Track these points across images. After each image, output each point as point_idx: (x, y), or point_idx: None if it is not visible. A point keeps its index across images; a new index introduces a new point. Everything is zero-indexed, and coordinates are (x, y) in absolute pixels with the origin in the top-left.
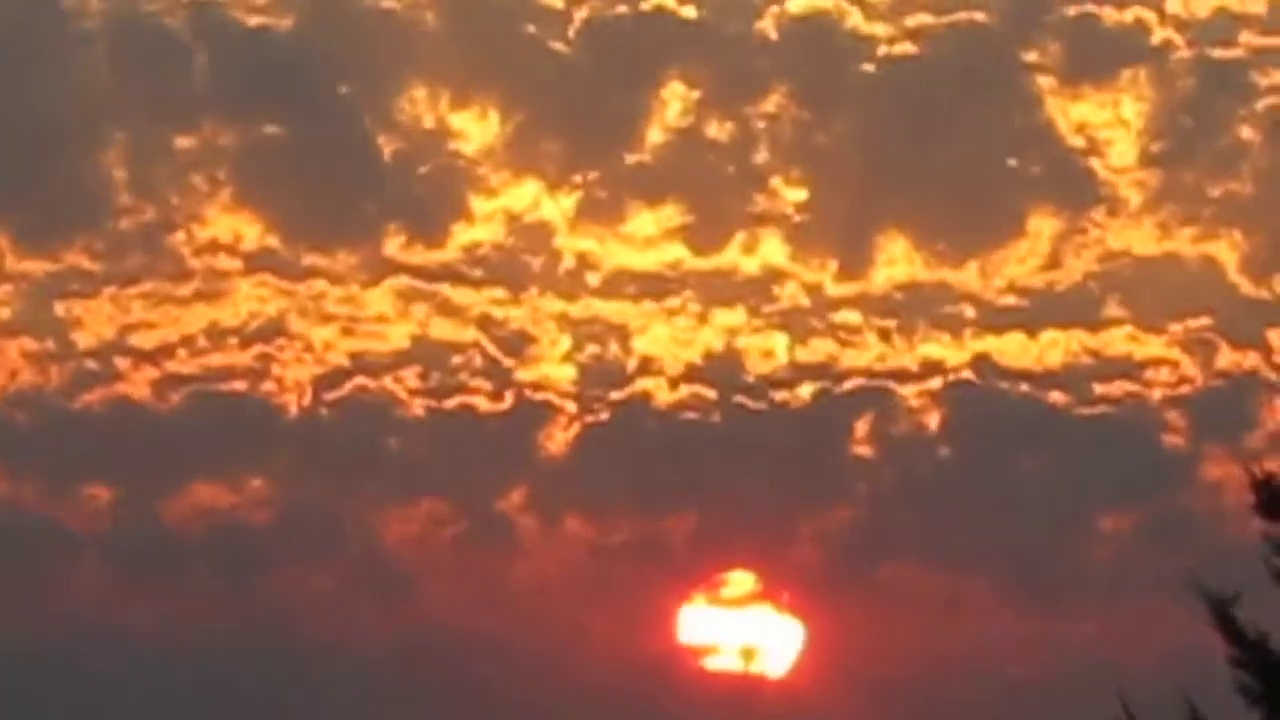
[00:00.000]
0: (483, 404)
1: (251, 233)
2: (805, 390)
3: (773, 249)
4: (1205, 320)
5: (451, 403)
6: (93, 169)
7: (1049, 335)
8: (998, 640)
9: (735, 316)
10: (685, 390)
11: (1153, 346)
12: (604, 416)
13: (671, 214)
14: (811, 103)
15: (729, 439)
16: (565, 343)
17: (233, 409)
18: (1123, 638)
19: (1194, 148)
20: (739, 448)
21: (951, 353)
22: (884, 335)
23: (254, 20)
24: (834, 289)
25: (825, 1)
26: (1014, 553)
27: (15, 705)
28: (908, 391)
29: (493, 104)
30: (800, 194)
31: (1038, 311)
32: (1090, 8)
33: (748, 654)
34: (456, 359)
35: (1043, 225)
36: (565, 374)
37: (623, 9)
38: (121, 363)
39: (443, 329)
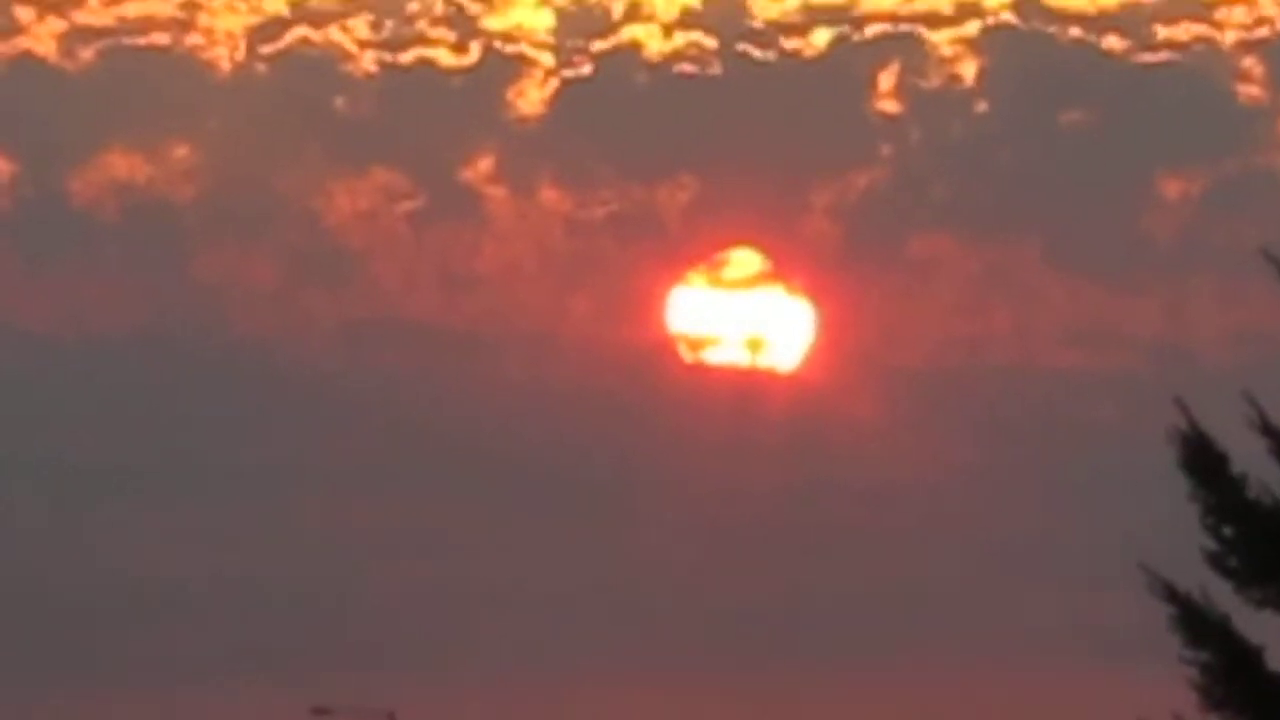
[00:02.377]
0: (444, 57)
1: None
2: (820, 37)
3: None
4: None
5: (408, 56)
6: None
7: None
8: (1041, 324)
9: None
10: (680, 38)
11: None
12: (585, 70)
13: None
14: None
15: (731, 94)
16: None
17: (153, 66)
18: (1186, 319)
19: None
20: (743, 104)
21: None
22: None
23: None
24: None
25: None
26: (1062, 222)
27: None
28: (940, 37)
29: None
30: None
31: None
32: None
33: (753, 344)
34: (414, 4)
35: None
36: (541, 21)
37: None
38: (23, 13)
39: None
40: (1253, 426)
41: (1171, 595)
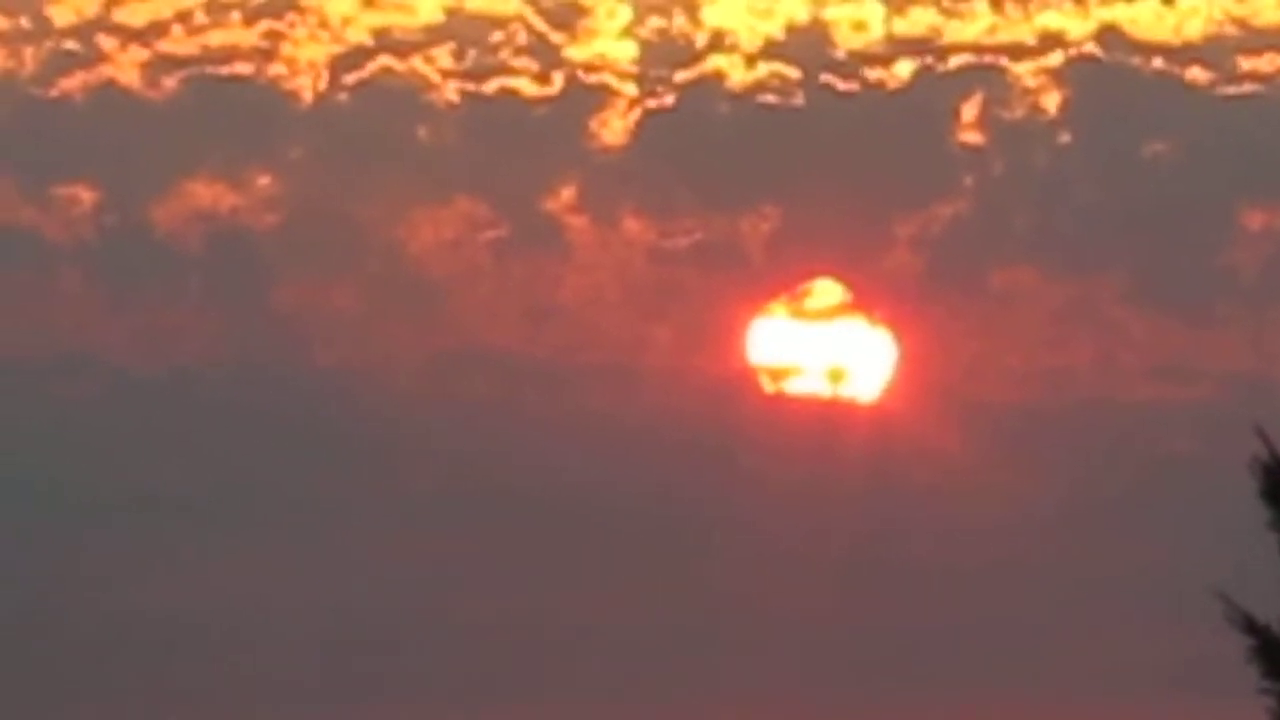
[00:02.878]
0: (527, 87)
1: None
2: (904, 68)
3: None
4: None
5: (491, 86)
6: None
7: (1189, 1)
8: (1124, 357)
9: None
10: (763, 68)
11: None
12: (668, 100)
13: None
14: None
15: (814, 125)
16: (624, 14)
17: (235, 95)
18: (1271, 352)
19: None
20: (825, 135)
21: (1074, 22)
22: (996, 3)
23: None
24: None
25: None
26: (1145, 255)
27: None
28: (1023, 69)
29: None
30: None
31: None
32: None
33: (835, 375)
34: (497, 34)
35: None
36: (624, 51)
37: None
38: (106, 42)
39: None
40: None
41: (1250, 626)
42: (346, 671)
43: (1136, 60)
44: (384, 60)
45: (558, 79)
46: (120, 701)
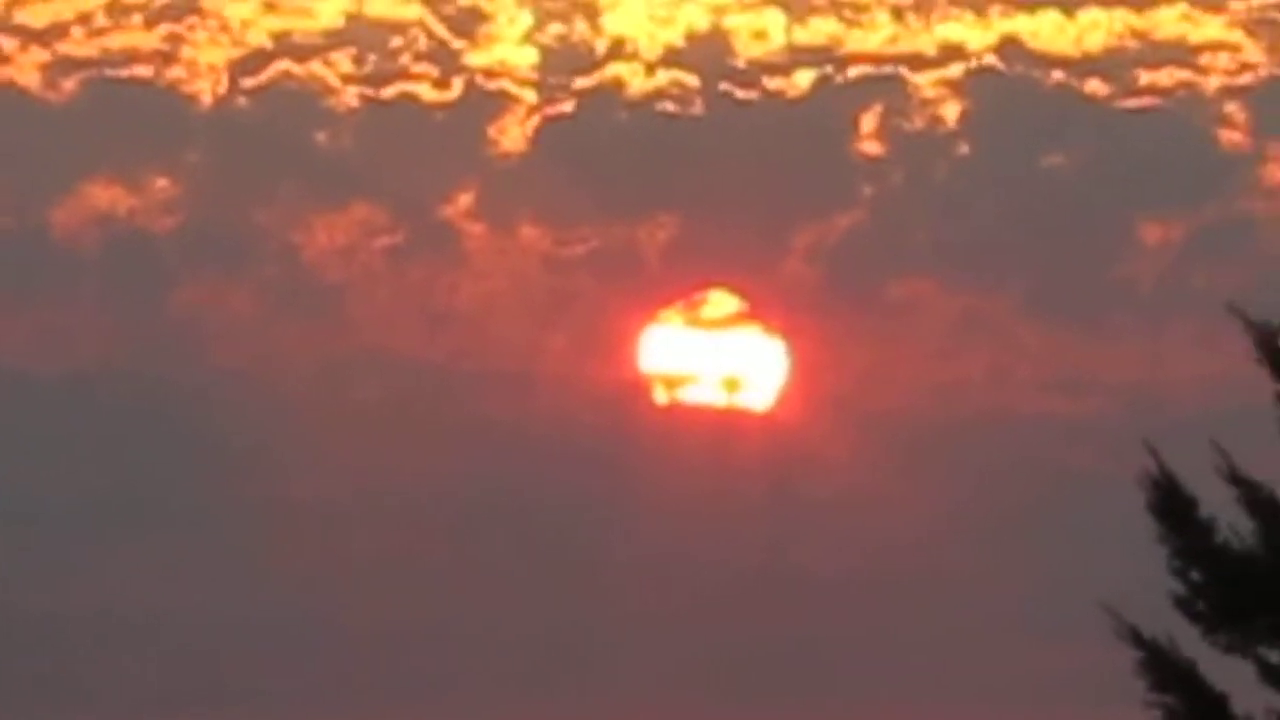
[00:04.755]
0: (426, 92)
1: None
2: (803, 77)
3: None
4: None
5: (390, 91)
6: None
7: (1089, 14)
8: (1019, 369)
9: None
10: (662, 76)
11: (1210, 28)
12: (567, 108)
13: None
14: None
15: (713, 134)
16: (525, 20)
17: (135, 98)
18: (1162, 366)
19: None
20: (724, 144)
21: (975, 34)
22: (896, 14)
23: None
24: None
25: None
26: (1042, 267)
27: None
28: (923, 79)
29: None
30: None
31: None
32: None
33: (729, 384)
34: (397, 39)
35: None
36: (524, 57)
37: None
38: (6, 43)
39: (381, 4)
40: (1221, 475)
41: (1138, 640)
42: (232, 677)
43: (1036, 72)
44: (283, 65)
45: (457, 84)
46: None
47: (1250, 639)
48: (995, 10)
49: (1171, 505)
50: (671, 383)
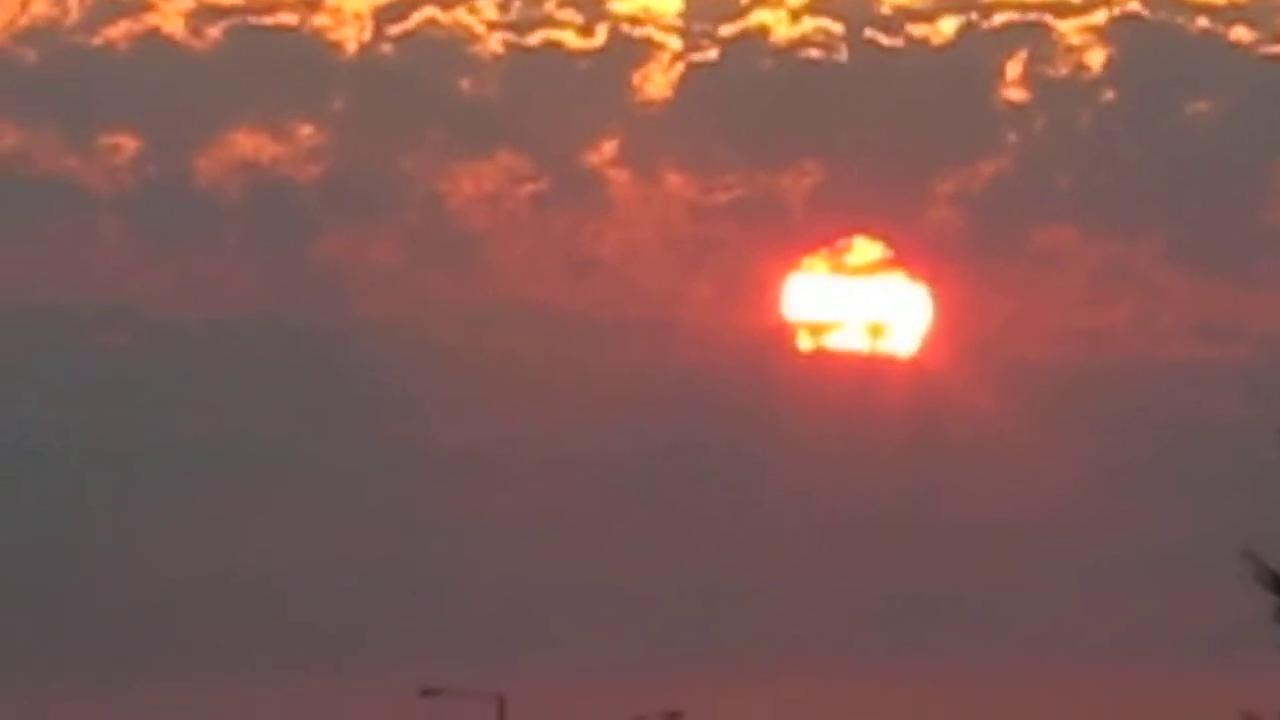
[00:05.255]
0: (571, 39)
1: None
2: (948, 24)
3: None
4: None
5: (535, 38)
6: None
7: None
8: (1162, 316)
9: None
10: (808, 23)
11: None
12: (712, 55)
13: None
14: None
15: (857, 81)
16: None
17: (279, 46)
18: None
19: None
20: (869, 92)
21: None
22: None
23: None
24: None
25: None
26: (1188, 215)
27: (18, 372)
28: (1067, 26)
29: None
30: None
31: None
32: None
33: (873, 330)
34: None
35: None
36: (669, 4)
37: None
38: None
39: None
40: None
41: (1276, 584)
42: (376, 623)
43: (1181, 18)
44: (428, 11)
45: (601, 31)
46: (162, 653)
47: None
48: None
49: None
50: (816, 330)
